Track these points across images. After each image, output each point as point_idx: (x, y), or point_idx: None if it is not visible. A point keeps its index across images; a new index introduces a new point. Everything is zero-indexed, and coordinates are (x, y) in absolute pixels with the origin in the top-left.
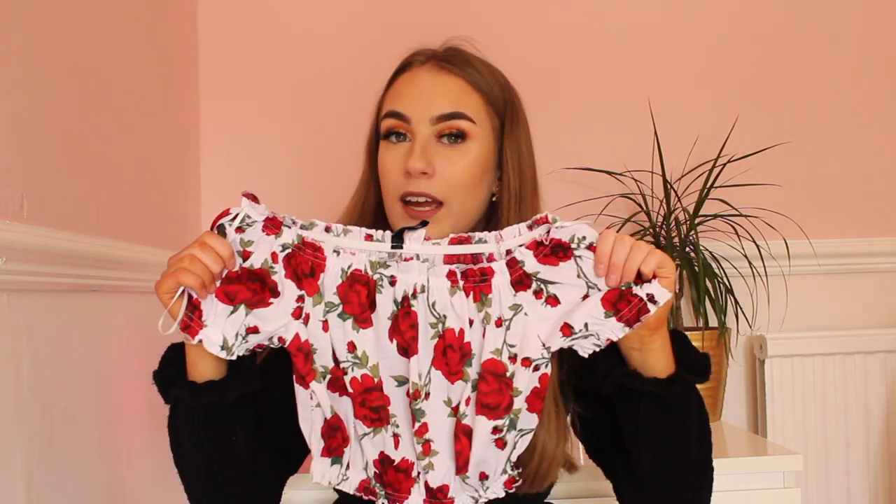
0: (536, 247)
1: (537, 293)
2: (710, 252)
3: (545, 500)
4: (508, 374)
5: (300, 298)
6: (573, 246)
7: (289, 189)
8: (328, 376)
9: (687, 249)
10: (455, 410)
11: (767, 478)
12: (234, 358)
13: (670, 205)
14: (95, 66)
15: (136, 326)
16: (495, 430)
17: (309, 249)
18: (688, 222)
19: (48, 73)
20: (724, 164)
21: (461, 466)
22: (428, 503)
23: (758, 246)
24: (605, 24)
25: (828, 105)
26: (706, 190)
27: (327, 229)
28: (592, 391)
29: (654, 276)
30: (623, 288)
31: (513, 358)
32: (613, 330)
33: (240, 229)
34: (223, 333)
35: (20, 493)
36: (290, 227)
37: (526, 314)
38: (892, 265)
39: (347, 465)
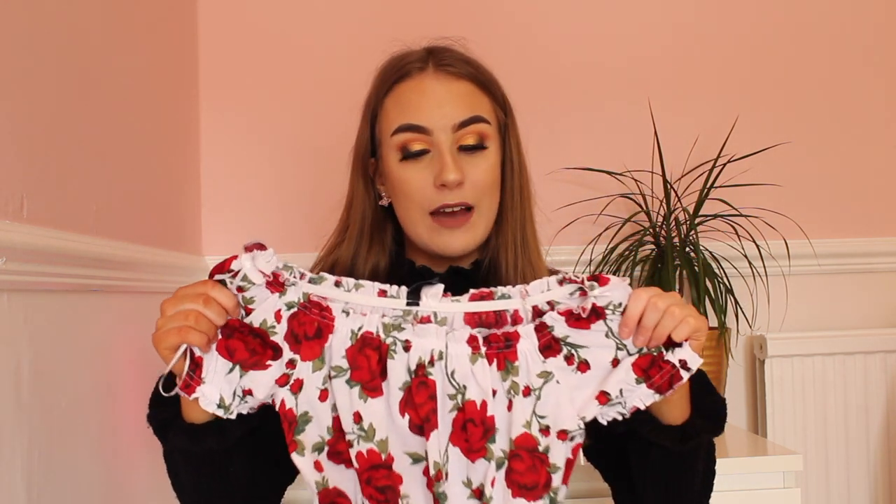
0: (570, 315)
1: (568, 359)
2: (710, 252)
3: None
4: (541, 448)
5: (290, 364)
6: (608, 311)
7: (289, 190)
8: (325, 448)
9: (687, 249)
10: (477, 494)
11: (767, 478)
12: (233, 417)
13: (670, 205)
14: (95, 66)
15: (136, 326)
16: None
17: (315, 309)
18: (688, 222)
19: (48, 73)
20: (724, 164)
21: None
22: None
23: (758, 246)
24: (605, 24)
25: (828, 105)
26: (706, 190)
27: (337, 283)
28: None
29: (686, 339)
30: (654, 353)
31: (545, 430)
32: (643, 397)
33: (240, 289)
34: (220, 392)
35: (20, 493)
36: (295, 285)
37: (558, 382)
38: (892, 265)
39: None
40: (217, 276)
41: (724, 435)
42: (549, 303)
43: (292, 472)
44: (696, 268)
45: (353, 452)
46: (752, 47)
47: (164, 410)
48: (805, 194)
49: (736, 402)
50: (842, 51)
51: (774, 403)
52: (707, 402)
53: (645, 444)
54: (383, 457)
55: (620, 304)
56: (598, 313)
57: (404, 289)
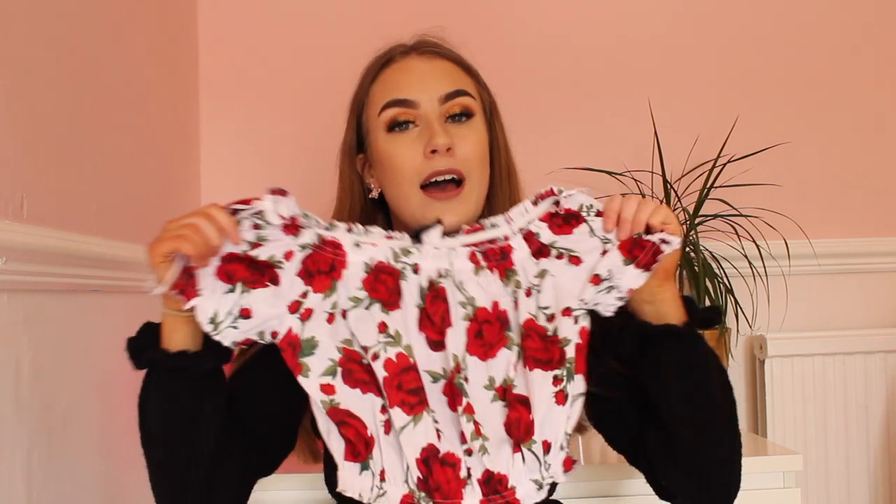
0: (550, 218)
1: (559, 256)
2: (710, 252)
3: (550, 499)
4: (550, 332)
5: (304, 294)
6: (583, 213)
7: (288, 188)
8: (339, 370)
9: (687, 249)
10: (500, 392)
11: (767, 478)
12: (218, 337)
13: (670, 205)
14: (95, 66)
15: (136, 326)
16: (556, 380)
17: (329, 247)
18: (688, 222)
19: (48, 73)
20: (724, 164)
21: (523, 434)
22: (486, 503)
23: (758, 246)
24: (604, 24)
25: (828, 105)
26: (706, 190)
27: (349, 230)
28: (612, 373)
29: (661, 230)
30: (635, 236)
31: (550, 318)
32: (633, 277)
33: (256, 226)
34: (215, 308)
35: (20, 493)
36: (310, 228)
37: (553, 276)
38: (892, 265)
39: (381, 475)
40: (234, 206)
41: None
42: (530, 222)
43: (268, 462)
44: (696, 268)
45: (379, 363)
46: (751, 47)
47: (145, 339)
48: (805, 194)
49: (736, 402)
50: (842, 51)
51: (774, 403)
52: (699, 310)
53: (654, 349)
54: (411, 360)
55: (592, 206)
56: (576, 217)
57: (406, 234)
